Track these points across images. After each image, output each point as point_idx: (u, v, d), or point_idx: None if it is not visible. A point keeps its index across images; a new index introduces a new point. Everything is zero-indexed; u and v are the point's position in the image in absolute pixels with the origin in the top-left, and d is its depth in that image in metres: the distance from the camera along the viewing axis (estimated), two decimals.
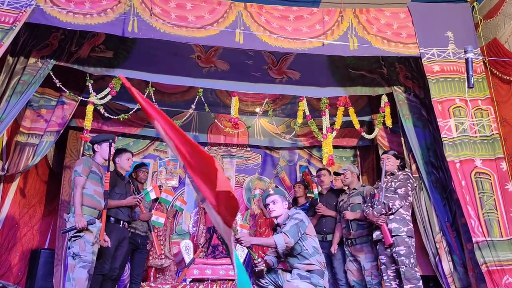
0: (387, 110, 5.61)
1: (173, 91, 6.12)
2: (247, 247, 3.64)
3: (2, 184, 4.99)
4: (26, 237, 5.52)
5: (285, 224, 3.81)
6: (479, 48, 4.89)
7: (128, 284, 5.19)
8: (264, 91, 5.78)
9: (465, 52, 3.86)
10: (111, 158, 4.27)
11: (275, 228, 4.04)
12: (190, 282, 5.75)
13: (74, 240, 3.87)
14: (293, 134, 6.35)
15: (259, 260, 3.61)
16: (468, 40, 4.82)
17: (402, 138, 5.44)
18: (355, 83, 5.56)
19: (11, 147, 4.95)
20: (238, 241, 3.51)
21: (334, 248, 5.11)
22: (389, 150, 5.13)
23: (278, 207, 3.85)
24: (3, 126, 4.37)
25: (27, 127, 5.08)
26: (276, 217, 3.87)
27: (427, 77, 4.80)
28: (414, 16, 4.96)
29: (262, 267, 3.60)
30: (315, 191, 5.60)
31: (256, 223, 6.61)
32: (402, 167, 4.87)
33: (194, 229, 6.61)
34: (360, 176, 6.61)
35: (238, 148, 7.38)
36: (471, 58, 3.83)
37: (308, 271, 3.61)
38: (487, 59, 4.85)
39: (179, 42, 4.61)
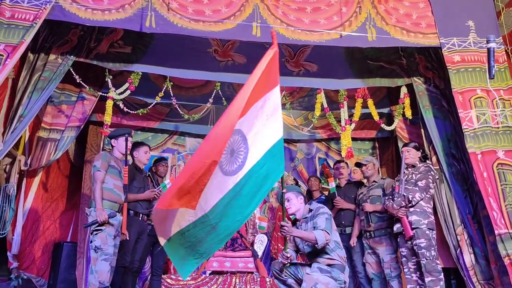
0: (407, 101, 5.53)
1: (191, 86, 6.13)
2: (285, 238, 3.63)
3: (25, 178, 5.10)
4: (49, 231, 5.63)
5: (306, 217, 3.82)
6: (501, 37, 4.78)
7: (149, 277, 5.26)
8: (281, 84, 5.72)
9: (488, 41, 3.79)
10: (128, 152, 4.32)
11: (294, 222, 4.05)
12: (210, 274, 5.80)
13: (96, 234, 3.94)
14: (311, 126, 6.33)
15: (290, 254, 3.62)
16: (490, 29, 4.72)
17: (422, 130, 5.37)
18: (374, 75, 5.50)
19: (33, 143, 5.05)
20: (281, 228, 3.51)
21: (353, 241, 5.09)
22: (410, 142, 5.07)
23: (293, 204, 3.90)
24: (25, 122, 4.46)
25: (48, 122, 5.17)
26: (294, 213, 3.90)
27: (448, 67, 4.72)
28: (434, 5, 4.86)
29: (286, 262, 3.62)
30: (333, 184, 5.58)
31: (275, 216, 6.62)
32: (424, 158, 4.81)
33: None
34: (379, 168, 6.55)
35: None
36: (493, 48, 3.75)
37: (328, 265, 3.61)
38: (509, 48, 4.75)
39: (196, 37, 4.62)
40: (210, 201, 2.76)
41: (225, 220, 2.79)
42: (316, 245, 3.56)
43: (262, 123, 2.89)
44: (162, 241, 2.82)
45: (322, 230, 3.58)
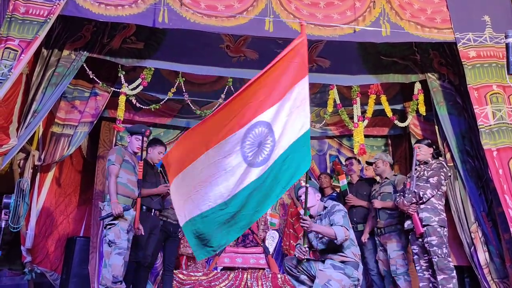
0: (421, 97, 5.48)
1: (203, 81, 6.12)
2: (304, 232, 3.61)
3: (39, 174, 5.16)
4: (62, 225, 5.68)
5: (320, 214, 3.80)
6: None
7: (161, 272, 5.28)
8: None
9: (506, 36, 3.73)
10: (144, 147, 4.33)
11: None
12: (221, 270, 5.81)
13: (109, 228, 3.97)
14: (323, 123, 6.29)
15: (307, 248, 3.61)
16: (506, 24, 4.63)
17: (436, 126, 5.31)
18: (387, 71, 5.44)
19: (47, 138, 5.10)
20: (302, 221, 3.49)
21: (364, 237, 5.08)
22: (423, 139, 5.03)
23: (311, 199, 3.87)
24: (39, 118, 4.49)
25: (62, 118, 5.21)
26: (309, 209, 3.88)
27: (463, 63, 4.66)
28: (449, 0, 4.80)
29: (304, 257, 3.61)
30: (344, 181, 5.55)
31: (286, 213, 6.61)
32: (437, 155, 4.77)
33: None
34: (392, 165, 6.50)
35: None
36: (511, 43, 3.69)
37: (342, 262, 3.60)
38: None
39: (208, 32, 4.61)
40: (231, 190, 2.74)
41: (244, 210, 2.76)
42: (335, 241, 3.55)
43: (290, 115, 2.82)
44: (182, 220, 2.77)
45: (342, 226, 3.56)
